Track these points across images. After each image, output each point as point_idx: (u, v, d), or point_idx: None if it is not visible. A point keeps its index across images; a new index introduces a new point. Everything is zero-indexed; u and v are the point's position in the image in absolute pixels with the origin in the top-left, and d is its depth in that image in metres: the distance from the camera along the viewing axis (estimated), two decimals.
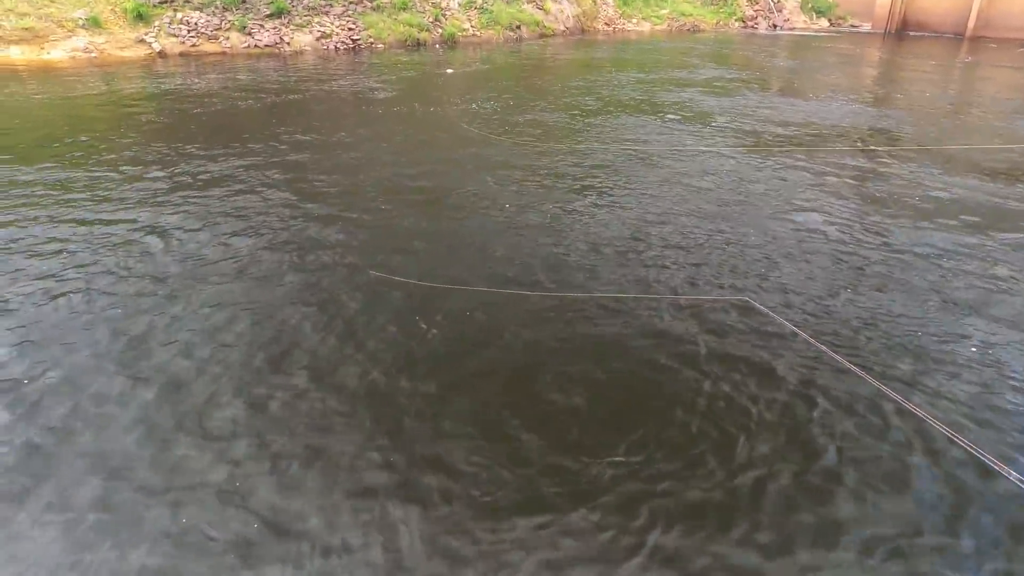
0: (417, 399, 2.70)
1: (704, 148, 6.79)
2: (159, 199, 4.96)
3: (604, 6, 23.93)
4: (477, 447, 2.44)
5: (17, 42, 12.95)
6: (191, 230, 4.35)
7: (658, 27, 24.26)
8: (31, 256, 3.90)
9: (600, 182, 5.60)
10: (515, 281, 3.75)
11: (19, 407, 2.57)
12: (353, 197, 5.18)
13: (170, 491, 2.19)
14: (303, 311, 3.34)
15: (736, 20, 25.88)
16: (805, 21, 26.22)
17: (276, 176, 5.62)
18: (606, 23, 23.33)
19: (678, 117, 8.38)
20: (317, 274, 3.78)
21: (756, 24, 25.76)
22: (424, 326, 3.23)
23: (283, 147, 6.59)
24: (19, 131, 7.35)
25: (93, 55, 13.50)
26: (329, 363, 2.91)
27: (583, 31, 21.95)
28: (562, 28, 20.95)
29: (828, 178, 5.83)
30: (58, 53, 13.23)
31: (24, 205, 4.76)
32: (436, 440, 2.47)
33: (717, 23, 25.37)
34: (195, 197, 5.02)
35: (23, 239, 4.15)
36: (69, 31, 13.56)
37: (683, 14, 25.01)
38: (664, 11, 24.88)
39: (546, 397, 2.75)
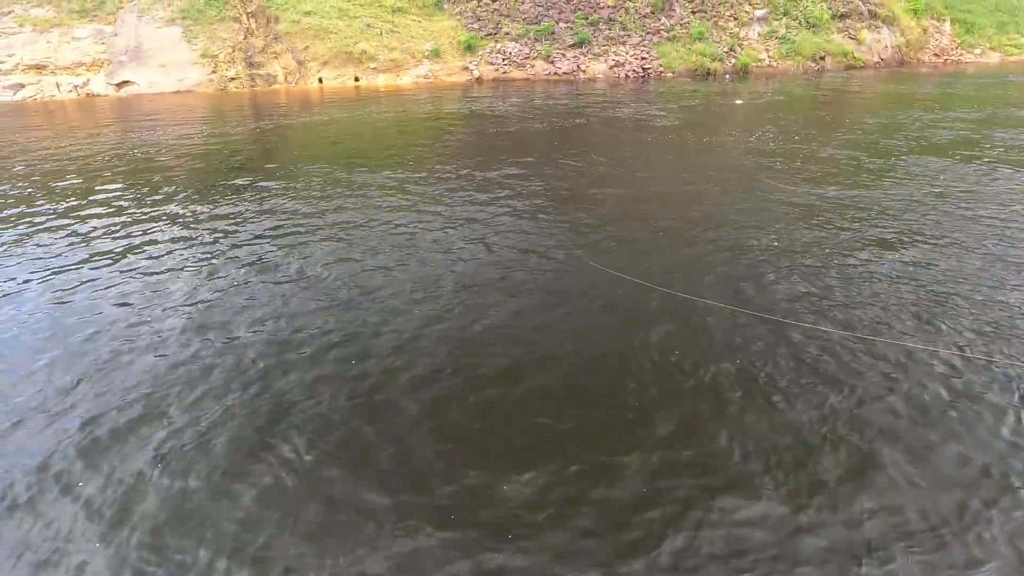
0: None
1: None
2: (457, 200, 6.00)
3: (937, 35, 20.60)
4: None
5: (384, 71, 16.71)
6: (473, 220, 5.23)
7: (1013, 58, 19.95)
8: (374, 230, 5.18)
9: (888, 230, 4.95)
10: (768, 307, 3.64)
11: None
12: (603, 210, 5.57)
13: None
14: (534, 277, 4.20)
15: None
16: None
17: (546, 188, 6.32)
18: (936, 54, 20.03)
19: (1016, 162, 6.90)
20: (550, 256, 4.48)
21: None
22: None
23: (558, 166, 7.31)
24: (370, 142, 9.53)
25: (430, 80, 16.65)
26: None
27: (902, 63, 19.20)
28: (875, 60, 18.66)
29: None
30: (407, 79, 16.65)
31: (372, 200, 6.28)
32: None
33: None
34: (480, 200, 5.95)
35: (365, 225, 5.51)
36: (418, 61, 16.95)
37: None
38: None
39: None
